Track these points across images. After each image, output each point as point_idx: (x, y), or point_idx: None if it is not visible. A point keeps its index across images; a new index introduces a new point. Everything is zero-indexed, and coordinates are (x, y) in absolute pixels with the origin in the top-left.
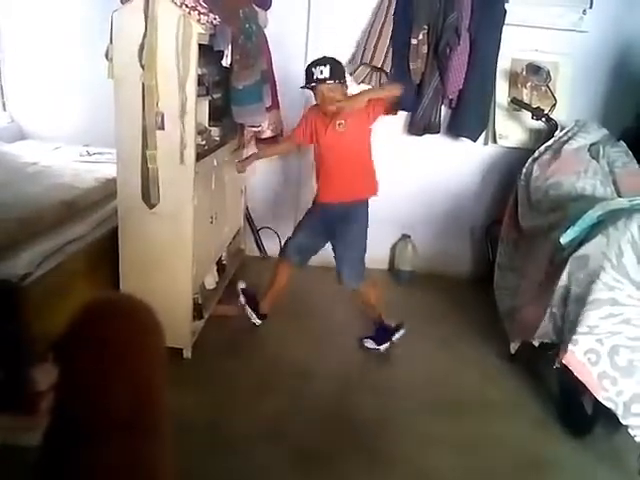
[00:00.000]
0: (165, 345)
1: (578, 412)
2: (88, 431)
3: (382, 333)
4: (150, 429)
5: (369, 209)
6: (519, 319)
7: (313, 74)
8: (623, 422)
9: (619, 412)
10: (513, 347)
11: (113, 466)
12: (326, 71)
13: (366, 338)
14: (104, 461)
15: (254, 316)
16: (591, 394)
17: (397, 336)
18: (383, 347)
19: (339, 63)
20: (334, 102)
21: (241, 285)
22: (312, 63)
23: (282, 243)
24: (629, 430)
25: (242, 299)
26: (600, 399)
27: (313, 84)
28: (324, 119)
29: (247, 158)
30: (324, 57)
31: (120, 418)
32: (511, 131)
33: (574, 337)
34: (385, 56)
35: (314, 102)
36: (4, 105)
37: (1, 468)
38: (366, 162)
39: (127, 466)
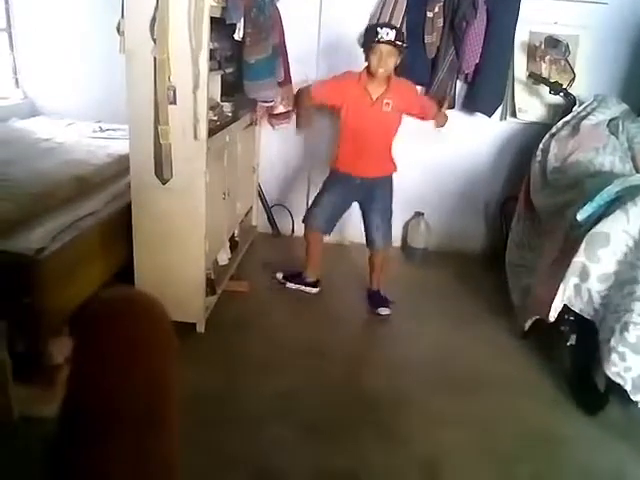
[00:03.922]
0: (176, 345)
1: (591, 389)
2: (102, 412)
3: (383, 299)
4: (162, 424)
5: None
6: (533, 297)
7: (378, 34)
8: (633, 398)
9: (628, 388)
10: (527, 324)
11: (125, 455)
12: (392, 34)
13: (379, 307)
14: (116, 452)
15: (308, 289)
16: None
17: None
18: (390, 310)
19: (403, 33)
20: (385, 73)
21: (279, 275)
22: (378, 25)
23: (305, 213)
24: None
25: (291, 285)
26: (608, 374)
27: (376, 40)
28: (368, 92)
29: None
30: (391, 24)
31: (133, 407)
32: (531, 105)
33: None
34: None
35: (323, 80)
36: (17, 81)
37: (19, 439)
38: (390, 143)
39: (138, 459)
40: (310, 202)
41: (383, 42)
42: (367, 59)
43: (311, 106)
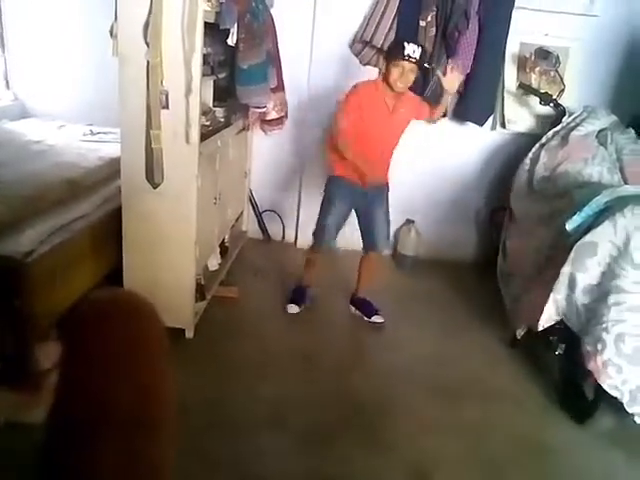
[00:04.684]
0: (167, 346)
1: (579, 397)
2: (91, 416)
3: (372, 306)
4: (153, 427)
5: None
6: (522, 306)
7: (404, 48)
8: (629, 410)
9: (625, 400)
10: (519, 333)
11: (114, 460)
12: (418, 52)
13: (373, 315)
14: (105, 456)
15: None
16: (593, 380)
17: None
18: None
19: (426, 52)
20: (404, 88)
21: (294, 309)
22: (405, 40)
23: (314, 233)
24: (636, 418)
25: (305, 303)
26: (604, 387)
27: (402, 58)
28: (385, 102)
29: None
30: (416, 40)
31: (123, 410)
32: (520, 116)
33: (587, 328)
34: (386, 36)
35: (323, 85)
36: (8, 83)
37: (6, 445)
38: (393, 151)
39: (128, 461)
40: (300, 209)
41: (409, 59)
42: (387, 70)
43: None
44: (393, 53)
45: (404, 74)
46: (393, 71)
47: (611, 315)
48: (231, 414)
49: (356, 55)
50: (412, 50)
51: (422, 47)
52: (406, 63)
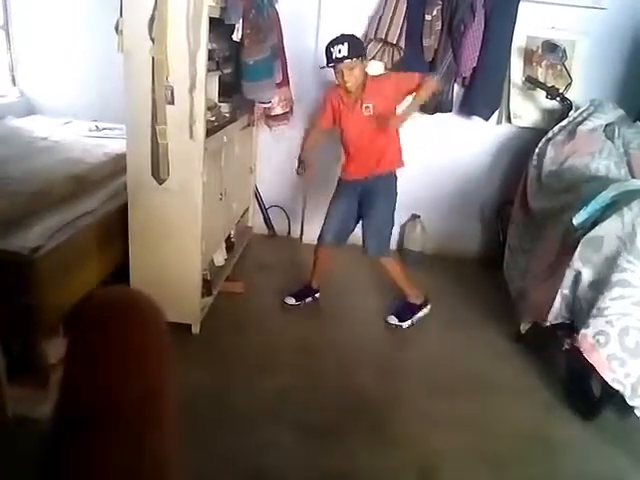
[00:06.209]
0: (169, 343)
1: (586, 394)
2: (95, 412)
3: (405, 310)
4: (157, 423)
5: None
6: (529, 300)
7: (332, 53)
8: (630, 403)
9: (627, 393)
10: (523, 327)
11: (119, 456)
12: (344, 49)
13: (390, 315)
14: (109, 451)
15: (310, 299)
16: (599, 376)
17: (420, 314)
18: (405, 324)
19: (357, 39)
20: (356, 84)
21: (291, 301)
22: (330, 42)
23: (319, 230)
24: (636, 411)
25: (304, 302)
26: (608, 380)
27: (332, 64)
28: (349, 101)
29: (300, 162)
30: (342, 35)
31: (125, 406)
32: (525, 111)
33: (587, 320)
34: (400, 32)
35: (326, 81)
36: (14, 80)
37: (12, 439)
38: (389, 139)
39: (132, 458)
40: (306, 204)
41: (339, 61)
42: (335, 76)
43: (321, 133)
44: (326, 61)
45: (344, 75)
46: (336, 77)
47: (616, 309)
48: (236, 408)
49: None
50: (338, 50)
51: (349, 39)
52: (339, 65)
